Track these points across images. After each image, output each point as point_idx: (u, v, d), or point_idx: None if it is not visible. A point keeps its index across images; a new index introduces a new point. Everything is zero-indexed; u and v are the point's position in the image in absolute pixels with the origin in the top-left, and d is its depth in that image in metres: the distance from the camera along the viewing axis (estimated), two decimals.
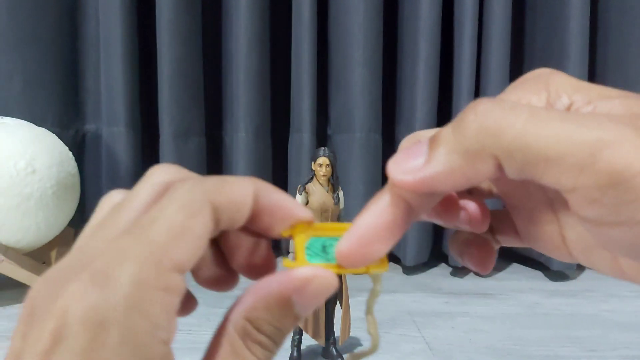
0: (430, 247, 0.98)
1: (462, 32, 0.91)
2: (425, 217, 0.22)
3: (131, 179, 0.93)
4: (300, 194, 0.57)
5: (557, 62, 0.90)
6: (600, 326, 0.72)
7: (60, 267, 0.16)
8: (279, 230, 0.20)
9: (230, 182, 0.18)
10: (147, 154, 0.98)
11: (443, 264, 1.01)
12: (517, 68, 0.96)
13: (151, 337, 0.15)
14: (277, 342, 0.19)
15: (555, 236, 0.20)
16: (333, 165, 0.58)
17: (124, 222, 0.17)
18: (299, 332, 0.59)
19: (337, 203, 0.58)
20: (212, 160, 1.01)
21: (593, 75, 0.97)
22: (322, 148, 0.58)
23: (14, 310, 0.75)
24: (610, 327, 0.72)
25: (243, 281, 0.21)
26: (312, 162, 0.58)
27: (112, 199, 0.19)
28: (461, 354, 0.64)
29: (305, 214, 0.20)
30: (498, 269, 0.99)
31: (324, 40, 0.97)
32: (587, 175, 0.15)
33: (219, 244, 0.20)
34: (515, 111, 0.16)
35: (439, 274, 0.96)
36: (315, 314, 0.58)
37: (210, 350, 0.18)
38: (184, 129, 0.96)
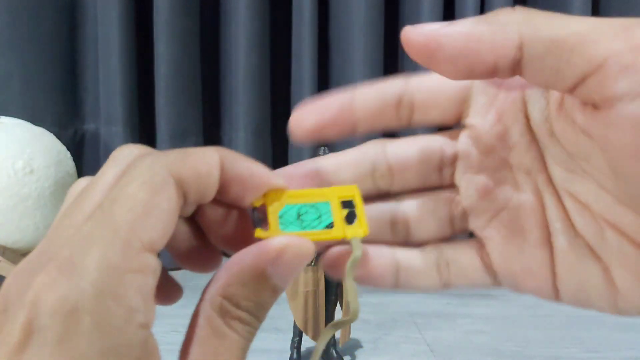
0: None
1: None
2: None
3: None
4: None
5: None
6: (602, 327, 0.71)
7: (29, 260, 0.16)
8: (251, 199, 0.19)
9: (193, 153, 0.17)
10: None
11: None
12: None
13: (127, 322, 0.15)
14: (258, 317, 0.18)
15: (543, 268, 0.20)
16: None
17: (89, 207, 0.16)
18: (299, 334, 0.59)
19: None
20: None
21: None
22: (323, 147, 0.58)
23: None
24: (612, 327, 0.71)
25: None
26: None
27: (79, 186, 0.19)
28: (462, 355, 0.63)
29: (277, 181, 0.19)
30: None
31: (324, 39, 0.97)
32: (621, 39, 0.15)
33: (196, 221, 0.20)
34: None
35: None
36: (316, 316, 0.58)
37: (189, 332, 0.17)
38: (182, 128, 0.95)
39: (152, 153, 0.18)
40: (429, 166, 0.21)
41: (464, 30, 0.17)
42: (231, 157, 0.18)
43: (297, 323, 0.57)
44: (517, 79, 0.18)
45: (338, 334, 0.59)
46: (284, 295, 0.57)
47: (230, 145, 0.99)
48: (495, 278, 0.21)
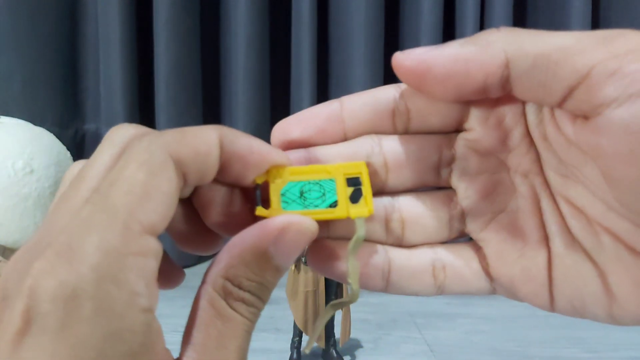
0: None
1: (463, 31, 0.91)
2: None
3: None
4: None
5: None
6: (602, 327, 0.71)
7: (27, 247, 0.16)
8: (253, 177, 0.19)
9: (191, 132, 0.17)
10: None
11: None
12: None
13: (129, 306, 0.15)
14: (261, 298, 0.18)
15: (539, 272, 0.19)
16: None
17: (86, 191, 0.16)
18: (299, 334, 0.59)
19: None
20: None
21: None
22: None
23: None
24: (612, 327, 0.71)
25: None
26: None
27: (75, 169, 0.18)
28: (462, 355, 0.63)
29: (279, 156, 0.19)
30: None
31: (324, 39, 0.97)
32: (603, 48, 0.15)
33: (192, 203, 0.19)
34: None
35: None
36: (316, 316, 0.58)
37: (192, 316, 0.17)
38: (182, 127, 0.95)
39: (149, 133, 0.17)
40: (426, 165, 0.21)
41: (451, 52, 0.17)
42: (230, 135, 0.18)
43: (297, 323, 0.57)
44: None
45: (338, 335, 0.59)
46: (284, 295, 0.57)
47: None
48: (491, 283, 0.20)
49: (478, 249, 0.21)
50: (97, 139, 0.98)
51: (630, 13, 0.95)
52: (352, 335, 0.60)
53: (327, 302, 0.57)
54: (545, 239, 0.19)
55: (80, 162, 0.18)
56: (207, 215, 0.19)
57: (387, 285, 0.20)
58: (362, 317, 0.71)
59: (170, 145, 0.16)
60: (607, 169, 0.17)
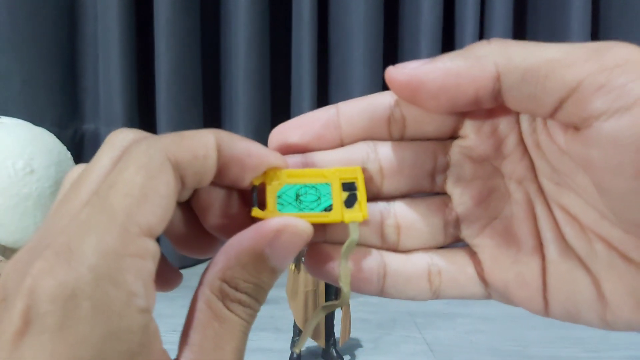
0: None
1: (463, 31, 0.91)
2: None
3: None
4: None
5: None
6: None
7: (26, 248, 0.16)
8: (250, 179, 0.19)
9: (189, 136, 0.17)
10: None
11: None
12: None
13: (127, 306, 0.15)
14: (258, 299, 0.18)
15: (534, 278, 0.19)
16: None
17: (85, 193, 0.16)
18: (299, 334, 0.59)
19: None
20: None
21: None
22: None
23: None
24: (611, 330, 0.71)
25: None
26: None
27: (75, 173, 0.18)
28: (462, 355, 0.63)
29: (276, 159, 0.19)
30: None
31: (324, 39, 0.97)
32: (592, 61, 0.15)
33: (191, 206, 0.19)
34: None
35: None
36: None
37: (189, 317, 0.17)
38: (182, 128, 0.94)
39: (147, 137, 0.18)
40: (422, 171, 0.21)
41: (443, 67, 0.18)
42: (228, 138, 0.18)
43: (297, 323, 0.57)
44: None
45: (338, 334, 0.59)
46: (284, 295, 0.57)
47: None
48: (486, 289, 0.20)
49: (473, 254, 0.21)
50: (96, 139, 0.98)
51: (630, 12, 0.94)
52: (352, 335, 0.60)
53: (327, 301, 0.57)
54: (540, 246, 0.19)
55: (81, 166, 0.18)
56: (205, 218, 0.19)
57: (382, 289, 0.20)
58: (362, 316, 0.71)
59: (168, 148, 0.17)
60: (597, 179, 0.17)
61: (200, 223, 0.20)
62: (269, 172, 0.19)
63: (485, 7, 0.92)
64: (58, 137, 0.84)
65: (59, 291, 0.14)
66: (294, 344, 0.59)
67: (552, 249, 0.19)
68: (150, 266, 0.16)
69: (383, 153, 0.21)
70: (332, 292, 0.57)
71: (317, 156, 0.21)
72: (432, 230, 0.21)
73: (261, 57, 0.95)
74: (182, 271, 0.22)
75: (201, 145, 0.17)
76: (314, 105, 0.94)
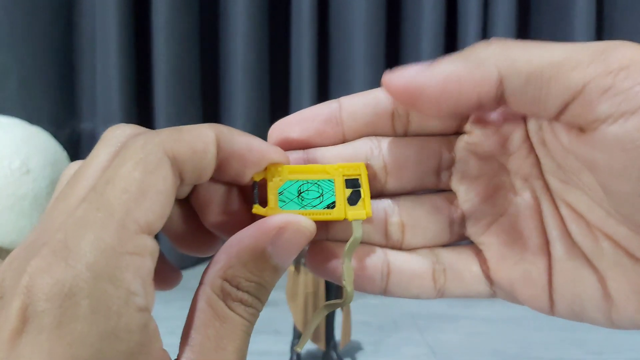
0: None
1: (466, 30, 0.91)
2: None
3: None
4: None
5: None
6: (605, 329, 0.71)
7: (23, 246, 0.16)
8: (251, 175, 0.19)
9: (188, 131, 0.17)
10: None
11: None
12: None
13: (125, 305, 0.15)
14: (260, 298, 0.18)
15: (540, 276, 0.19)
16: None
17: (82, 190, 0.16)
18: (299, 336, 0.58)
19: None
20: None
21: None
22: None
23: None
24: (615, 329, 0.71)
25: None
26: None
27: (71, 169, 0.18)
28: (464, 357, 0.63)
29: (278, 154, 0.19)
30: None
31: (324, 37, 0.97)
32: (597, 64, 0.15)
33: (190, 204, 0.19)
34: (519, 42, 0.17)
35: None
36: None
37: (190, 317, 0.17)
38: None
39: (145, 132, 0.17)
40: (426, 168, 0.21)
41: (443, 72, 0.17)
42: (228, 133, 0.18)
43: (296, 325, 0.57)
44: None
45: (338, 337, 0.59)
46: (283, 297, 0.57)
47: None
48: (491, 287, 0.20)
49: (478, 252, 0.21)
50: (93, 139, 0.98)
51: (634, 12, 0.94)
52: (352, 338, 0.60)
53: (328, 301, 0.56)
54: (546, 243, 0.19)
55: (77, 163, 0.18)
56: (205, 216, 0.19)
57: (386, 288, 0.20)
58: (362, 319, 0.70)
59: (166, 143, 0.16)
60: (602, 181, 0.17)
61: (200, 221, 0.20)
62: (270, 168, 0.19)
63: (489, 5, 0.92)
64: (55, 136, 0.83)
65: (56, 289, 0.14)
66: (293, 346, 0.58)
67: (558, 247, 0.19)
68: (149, 264, 0.16)
69: (387, 149, 0.21)
70: (333, 293, 0.57)
71: (319, 152, 0.20)
72: (437, 228, 0.21)
73: (260, 55, 0.94)
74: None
75: (200, 140, 0.17)
76: (314, 104, 0.94)
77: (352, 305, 0.59)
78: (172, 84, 0.93)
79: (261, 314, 0.18)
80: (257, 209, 0.19)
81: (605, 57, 0.16)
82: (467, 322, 0.73)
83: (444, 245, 0.21)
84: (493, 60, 0.17)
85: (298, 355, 0.58)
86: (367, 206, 0.19)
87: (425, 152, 0.20)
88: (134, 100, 0.95)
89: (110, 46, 0.92)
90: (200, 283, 0.17)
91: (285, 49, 0.97)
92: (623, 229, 0.18)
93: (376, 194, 0.21)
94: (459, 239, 0.21)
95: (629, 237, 0.17)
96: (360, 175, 0.20)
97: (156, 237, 0.16)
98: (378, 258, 0.20)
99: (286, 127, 0.20)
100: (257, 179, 0.19)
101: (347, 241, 0.19)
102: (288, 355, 0.58)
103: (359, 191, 0.20)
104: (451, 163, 0.21)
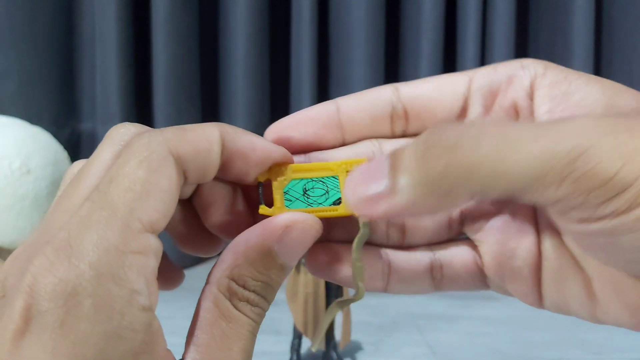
0: None
1: (465, 29, 0.91)
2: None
3: None
4: None
5: (562, 59, 0.89)
6: (606, 329, 0.71)
7: (26, 245, 0.16)
8: (255, 175, 0.19)
9: (192, 130, 0.17)
10: None
11: None
12: None
13: (129, 304, 0.15)
14: (266, 298, 0.18)
15: (530, 274, 0.19)
16: None
17: (86, 188, 0.16)
18: (299, 336, 0.58)
19: None
20: None
21: (598, 71, 0.96)
22: None
23: None
24: (616, 329, 0.70)
25: None
26: None
27: (75, 168, 0.18)
28: (464, 357, 0.63)
29: (282, 153, 0.19)
30: None
31: (324, 37, 0.97)
32: (568, 184, 0.15)
33: (192, 204, 0.19)
34: (484, 137, 0.15)
35: None
36: (316, 318, 0.57)
37: (195, 316, 0.17)
38: None
39: (149, 131, 0.17)
40: None
41: (402, 203, 0.17)
42: (232, 132, 0.18)
43: (296, 325, 0.57)
44: (513, 86, 0.19)
45: (338, 337, 0.58)
46: (283, 297, 0.57)
47: None
48: (485, 281, 0.21)
49: (474, 247, 0.21)
50: (93, 139, 0.98)
51: (634, 11, 0.94)
52: (352, 338, 0.59)
53: (327, 304, 0.56)
54: (538, 242, 0.20)
55: (81, 161, 0.18)
56: (206, 217, 0.19)
57: (387, 286, 0.20)
58: (362, 319, 0.70)
59: (170, 142, 0.16)
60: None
61: (198, 222, 0.20)
62: (274, 168, 0.19)
63: (488, 5, 0.92)
64: (55, 136, 0.83)
65: (59, 288, 0.14)
66: (293, 346, 0.58)
67: (547, 245, 0.19)
68: (152, 263, 0.16)
69: (387, 149, 0.21)
70: (333, 293, 0.57)
71: (322, 156, 0.21)
72: (436, 228, 0.21)
73: (260, 56, 0.94)
74: None
75: (204, 139, 0.17)
76: (314, 104, 0.93)
77: (352, 305, 0.59)
78: (171, 84, 0.93)
79: None
80: (263, 209, 0.19)
81: (574, 172, 0.15)
82: (467, 322, 0.73)
83: (441, 242, 0.21)
84: (462, 189, 0.15)
85: (298, 355, 0.58)
86: None
87: None
88: (133, 100, 0.95)
89: (110, 46, 0.92)
90: (207, 282, 0.17)
91: (285, 48, 0.97)
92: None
93: None
94: (456, 235, 0.21)
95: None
96: None
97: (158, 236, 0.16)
98: (380, 258, 0.20)
99: (282, 130, 0.20)
100: (262, 179, 0.19)
101: (348, 241, 0.19)
102: (288, 355, 0.58)
103: None
104: None
